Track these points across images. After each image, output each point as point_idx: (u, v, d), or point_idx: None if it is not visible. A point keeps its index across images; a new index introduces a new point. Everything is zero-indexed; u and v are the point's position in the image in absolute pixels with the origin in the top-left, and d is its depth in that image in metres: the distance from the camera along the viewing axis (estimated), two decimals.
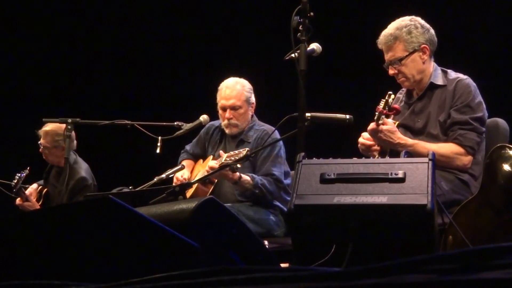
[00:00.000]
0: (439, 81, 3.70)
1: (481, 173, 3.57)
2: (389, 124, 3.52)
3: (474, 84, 3.67)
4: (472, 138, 3.56)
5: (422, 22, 3.73)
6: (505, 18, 5.36)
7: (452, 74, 3.73)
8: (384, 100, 3.45)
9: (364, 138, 3.63)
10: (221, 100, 4.57)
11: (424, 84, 3.73)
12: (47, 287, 1.68)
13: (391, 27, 3.72)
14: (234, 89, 4.55)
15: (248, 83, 4.64)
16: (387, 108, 3.45)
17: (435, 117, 3.65)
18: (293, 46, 3.31)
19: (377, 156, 3.58)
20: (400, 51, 3.67)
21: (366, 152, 3.64)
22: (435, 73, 3.73)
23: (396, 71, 3.68)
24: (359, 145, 3.66)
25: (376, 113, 3.46)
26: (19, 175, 5.38)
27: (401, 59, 3.67)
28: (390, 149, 3.57)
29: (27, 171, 5.41)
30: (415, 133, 3.68)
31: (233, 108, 4.53)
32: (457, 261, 1.20)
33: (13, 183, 5.38)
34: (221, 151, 4.44)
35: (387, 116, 3.51)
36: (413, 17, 3.75)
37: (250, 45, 6.36)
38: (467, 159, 3.56)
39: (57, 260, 1.98)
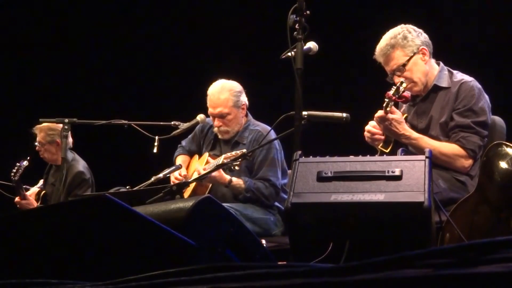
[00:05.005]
0: (444, 83, 3.68)
1: (477, 173, 3.57)
2: (397, 114, 3.51)
3: (479, 86, 3.63)
4: (474, 141, 3.54)
5: (413, 27, 3.74)
6: (503, 18, 5.36)
7: (458, 76, 3.70)
8: (395, 86, 3.44)
9: (371, 126, 3.62)
10: (209, 108, 4.51)
11: (428, 86, 3.71)
12: (44, 285, 1.67)
13: (385, 38, 3.71)
14: (220, 96, 4.45)
15: (236, 84, 4.54)
16: (397, 95, 3.44)
17: (437, 120, 3.64)
18: (289, 45, 3.30)
19: (381, 145, 3.58)
20: (400, 58, 3.67)
21: (370, 141, 3.63)
22: (440, 74, 3.70)
23: (402, 79, 3.61)
24: (365, 132, 3.65)
25: (386, 99, 3.44)
26: (19, 164, 5.39)
27: (404, 65, 3.65)
28: (395, 140, 3.56)
29: (27, 162, 5.42)
30: (419, 133, 3.66)
31: (221, 116, 4.45)
32: (453, 256, 1.20)
33: (12, 173, 5.39)
34: (209, 158, 4.44)
35: (396, 104, 3.50)
36: (403, 25, 3.75)
37: (247, 43, 6.36)
38: (468, 162, 3.55)
39: (54, 258, 1.98)
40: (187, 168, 4.67)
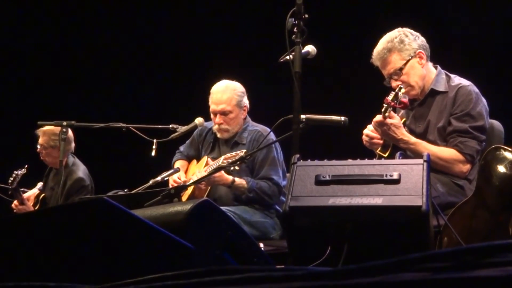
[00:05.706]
0: (441, 87, 3.67)
1: (476, 177, 3.57)
2: (395, 119, 3.51)
3: (477, 91, 3.62)
4: (472, 146, 3.54)
5: (410, 30, 3.74)
6: (502, 20, 5.37)
7: (456, 80, 3.69)
8: (393, 92, 3.43)
9: (369, 129, 3.62)
10: (211, 105, 4.53)
11: (425, 90, 3.70)
12: None
13: (382, 42, 3.71)
14: (224, 94, 4.49)
15: (239, 86, 4.58)
16: (395, 101, 3.44)
17: (435, 124, 3.63)
18: (288, 48, 3.30)
19: (379, 149, 3.58)
20: (397, 62, 3.66)
21: (369, 144, 3.63)
22: (438, 78, 3.69)
23: (399, 83, 3.60)
24: (363, 136, 3.64)
25: (384, 104, 3.44)
26: (17, 172, 5.39)
27: (401, 69, 3.65)
28: (393, 144, 3.56)
29: (24, 170, 5.41)
30: (417, 137, 3.66)
31: (223, 113, 4.48)
32: (451, 259, 1.20)
33: (10, 181, 5.38)
34: (209, 159, 4.44)
35: (395, 109, 3.50)
36: (400, 28, 3.75)
37: (245, 47, 6.36)
38: (466, 167, 3.55)
39: (52, 261, 1.98)
40: (186, 172, 4.66)
